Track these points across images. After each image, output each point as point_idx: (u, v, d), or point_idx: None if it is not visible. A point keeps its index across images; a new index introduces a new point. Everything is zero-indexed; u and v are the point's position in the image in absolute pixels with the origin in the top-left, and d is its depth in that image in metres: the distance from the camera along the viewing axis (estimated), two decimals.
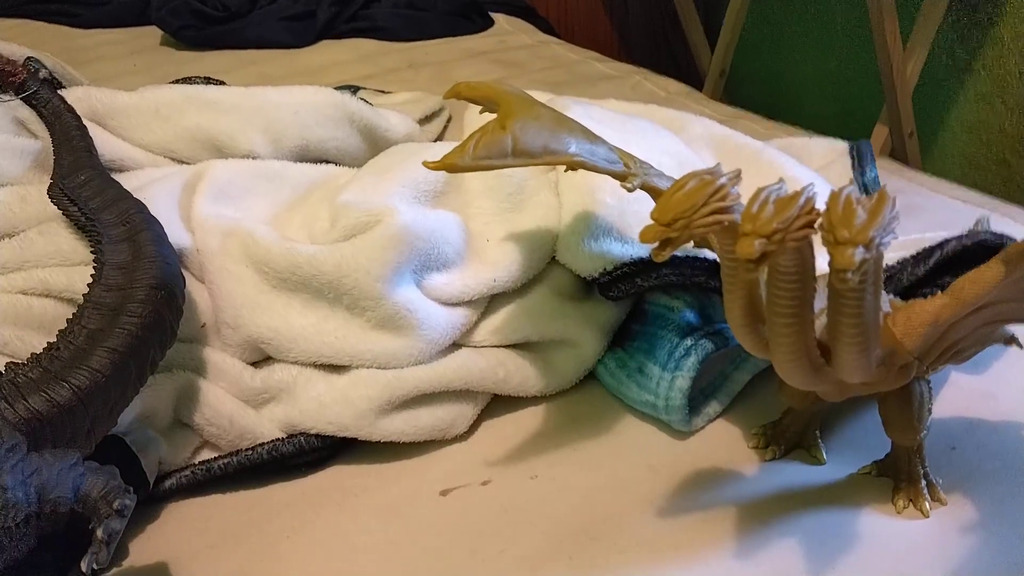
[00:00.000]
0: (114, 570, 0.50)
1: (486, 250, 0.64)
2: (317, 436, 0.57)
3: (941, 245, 0.62)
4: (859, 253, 0.36)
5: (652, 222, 0.42)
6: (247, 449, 0.56)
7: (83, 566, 0.44)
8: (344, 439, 0.57)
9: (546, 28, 1.57)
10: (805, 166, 0.78)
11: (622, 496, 0.54)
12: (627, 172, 0.53)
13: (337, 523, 0.53)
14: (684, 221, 0.41)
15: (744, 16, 1.49)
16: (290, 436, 0.57)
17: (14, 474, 0.43)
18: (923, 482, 0.53)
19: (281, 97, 0.80)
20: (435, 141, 0.91)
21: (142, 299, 0.53)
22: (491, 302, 0.63)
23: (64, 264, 0.60)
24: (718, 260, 0.46)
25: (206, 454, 0.57)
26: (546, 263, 0.63)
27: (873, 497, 0.53)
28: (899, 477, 0.53)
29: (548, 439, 0.59)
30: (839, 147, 0.86)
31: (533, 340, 0.62)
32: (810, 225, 0.39)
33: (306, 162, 0.76)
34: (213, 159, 0.73)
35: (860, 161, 0.86)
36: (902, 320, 0.45)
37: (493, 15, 1.51)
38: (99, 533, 0.45)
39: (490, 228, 0.65)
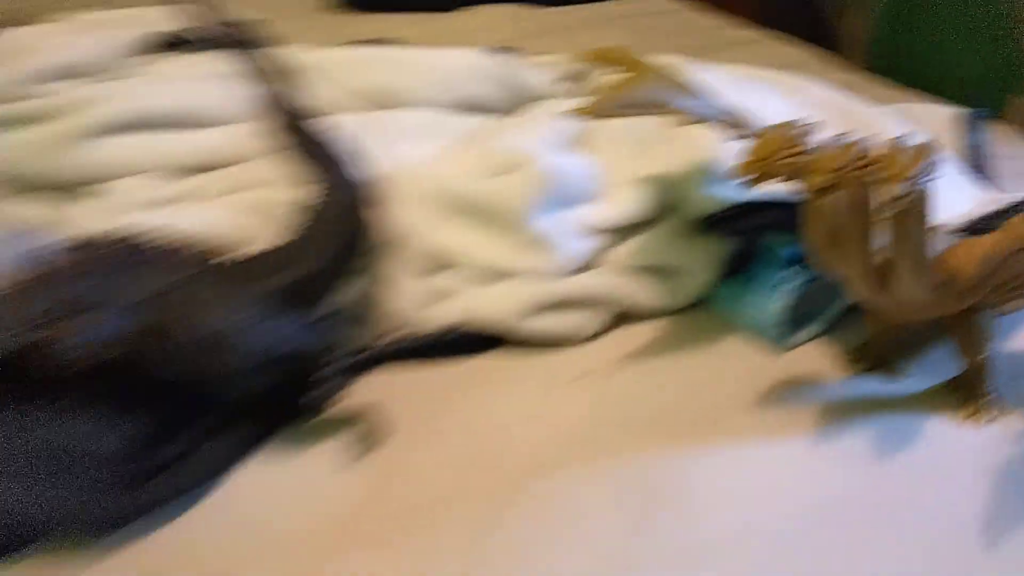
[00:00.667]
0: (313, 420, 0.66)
1: (616, 190, 0.75)
2: (473, 330, 0.71)
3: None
4: (902, 187, 0.46)
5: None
6: (419, 335, 0.71)
7: (314, 390, 0.60)
8: (493, 335, 0.71)
9: None
10: (912, 129, 0.85)
11: (721, 395, 0.65)
12: (732, 127, 0.63)
13: (487, 401, 0.67)
14: (764, 163, 0.52)
15: None
16: (451, 328, 0.71)
17: (265, 326, 0.59)
18: (984, 399, 0.61)
19: (442, 59, 0.93)
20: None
21: (344, 213, 0.68)
22: (618, 233, 0.75)
23: (277, 186, 0.76)
24: None
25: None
26: (667, 202, 0.75)
27: (943, 407, 0.63)
28: (964, 393, 0.62)
29: (662, 346, 0.71)
30: (954, 114, 0.93)
31: (656, 266, 0.73)
32: (862, 167, 0.49)
33: (462, 114, 0.90)
34: (393, 109, 0.87)
35: (973, 128, 0.93)
36: (962, 252, 0.54)
37: None
38: (321, 380, 0.60)
39: (620, 171, 0.76)
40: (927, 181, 0.47)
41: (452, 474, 0.61)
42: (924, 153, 0.47)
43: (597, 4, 1.50)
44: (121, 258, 0.61)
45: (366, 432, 0.64)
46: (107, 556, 0.56)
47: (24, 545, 0.57)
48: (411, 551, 0.55)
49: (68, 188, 0.81)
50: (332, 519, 0.58)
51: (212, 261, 0.64)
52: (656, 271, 0.73)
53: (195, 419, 0.63)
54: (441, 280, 0.74)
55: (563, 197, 0.73)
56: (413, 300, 0.72)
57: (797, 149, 0.51)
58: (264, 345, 0.60)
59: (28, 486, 0.57)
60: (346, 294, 0.71)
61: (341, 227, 0.69)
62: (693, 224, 0.73)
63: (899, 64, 1.57)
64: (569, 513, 0.57)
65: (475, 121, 0.87)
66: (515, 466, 0.61)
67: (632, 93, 0.62)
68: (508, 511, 0.57)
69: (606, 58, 0.66)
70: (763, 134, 0.53)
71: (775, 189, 0.59)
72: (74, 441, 0.59)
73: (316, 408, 0.64)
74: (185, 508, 0.59)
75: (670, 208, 0.74)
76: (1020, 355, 0.67)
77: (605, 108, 0.60)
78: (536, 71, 0.99)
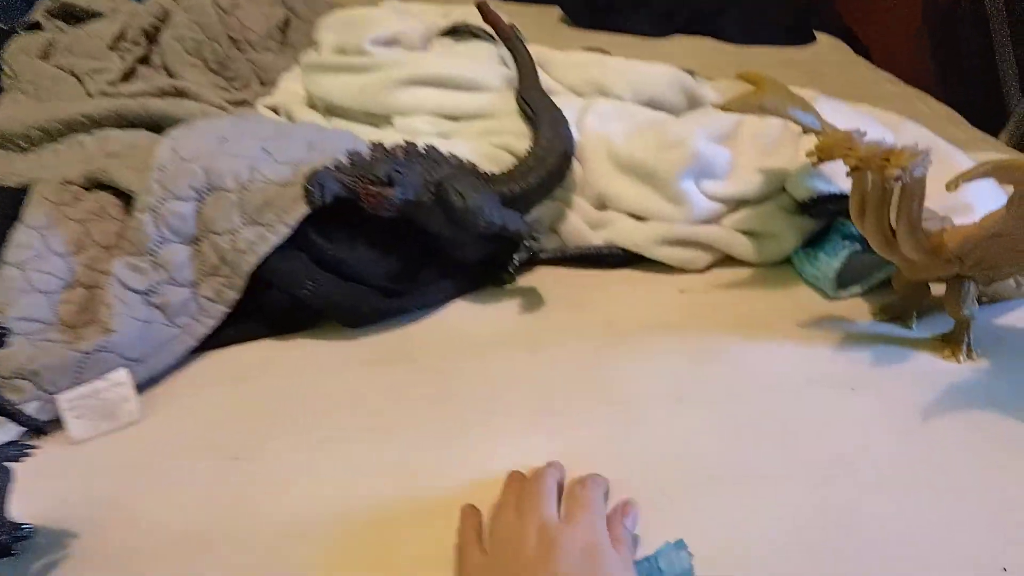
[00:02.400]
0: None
1: (741, 174, 1.07)
2: (621, 248, 1.05)
3: None
4: (895, 172, 0.76)
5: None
6: (585, 247, 1.06)
7: (515, 259, 0.96)
8: (634, 254, 1.05)
9: (864, 51, 1.89)
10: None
11: (782, 322, 0.95)
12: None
13: (623, 294, 1.01)
14: (824, 151, 0.82)
15: None
16: (608, 245, 1.06)
17: (496, 208, 0.96)
18: (964, 346, 0.88)
19: (643, 67, 1.28)
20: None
21: (555, 158, 1.05)
22: (737, 204, 1.06)
23: (515, 135, 1.13)
24: None
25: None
26: (778, 189, 1.05)
27: (932, 350, 0.90)
28: (951, 340, 0.89)
29: (749, 283, 1.02)
30: None
31: (756, 231, 1.05)
32: (881, 157, 0.78)
33: (646, 109, 1.24)
34: (597, 97, 1.23)
35: None
36: (951, 231, 0.82)
37: (817, 33, 1.88)
38: (522, 248, 0.96)
39: (748, 161, 1.08)
40: (919, 171, 0.76)
41: (580, 326, 0.96)
42: (916, 154, 0.76)
43: (781, 48, 1.79)
44: (421, 155, 0.99)
45: (535, 298, 1.00)
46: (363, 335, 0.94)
47: (311, 323, 0.95)
48: (549, 357, 0.90)
49: (377, 118, 1.22)
50: (504, 335, 0.95)
51: (469, 169, 1.02)
52: (756, 234, 1.04)
53: (439, 264, 1.01)
54: (606, 214, 1.08)
55: (704, 171, 1.06)
56: (582, 223, 1.08)
57: (848, 144, 0.82)
58: (500, 222, 0.96)
59: (336, 281, 0.95)
60: (543, 210, 1.07)
61: (552, 165, 1.05)
62: (790, 204, 1.03)
63: None
64: (655, 358, 0.90)
65: (655, 114, 1.21)
66: (625, 330, 0.95)
67: (762, 100, 0.93)
68: (612, 351, 0.91)
69: (748, 76, 0.99)
70: (829, 133, 0.84)
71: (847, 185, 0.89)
72: (367, 260, 0.99)
73: (510, 277, 1.01)
74: (416, 319, 0.98)
75: (776, 191, 1.05)
76: (999, 325, 0.93)
77: (740, 106, 0.92)
78: (706, 88, 1.31)
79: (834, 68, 1.70)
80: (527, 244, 0.98)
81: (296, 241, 0.95)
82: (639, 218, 1.07)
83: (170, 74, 1.43)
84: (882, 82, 1.63)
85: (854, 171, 0.81)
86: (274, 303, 0.95)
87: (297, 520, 0.71)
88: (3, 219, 0.99)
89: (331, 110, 1.26)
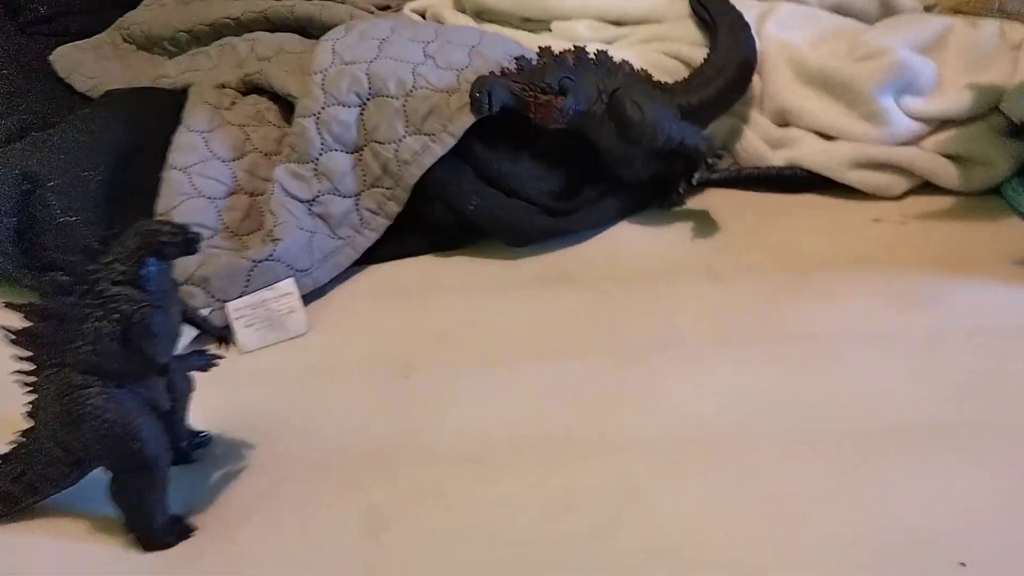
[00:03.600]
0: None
1: (948, 89, 0.95)
2: (804, 170, 0.96)
3: None
4: None
5: None
6: (764, 168, 0.97)
7: (694, 178, 0.89)
8: (820, 177, 0.95)
9: None
10: None
11: (991, 261, 0.84)
12: None
13: (806, 221, 0.92)
14: None
15: None
16: (789, 167, 0.96)
17: (673, 121, 0.88)
18: None
19: None
20: None
21: (736, 67, 0.95)
22: (941, 124, 0.95)
23: (688, 43, 1.04)
24: None
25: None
26: (990, 108, 0.93)
27: None
28: None
29: (953, 215, 0.91)
30: None
31: (963, 155, 0.93)
32: None
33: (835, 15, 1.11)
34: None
35: None
36: None
37: None
38: (702, 166, 0.89)
39: (956, 76, 0.96)
40: None
41: (759, 256, 0.88)
42: None
43: None
44: (592, 62, 0.92)
45: (708, 224, 0.93)
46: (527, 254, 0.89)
47: (472, 239, 0.91)
48: (725, 288, 0.84)
49: (533, 23, 1.14)
50: (675, 261, 0.88)
51: (642, 78, 0.94)
52: (962, 159, 0.93)
53: (607, 181, 0.95)
54: (788, 132, 0.99)
55: (905, 85, 0.95)
56: (760, 143, 0.99)
57: None
58: (679, 136, 0.89)
59: (500, 197, 0.91)
60: (720, 125, 0.98)
61: (732, 75, 0.96)
62: (1003, 126, 0.91)
63: None
64: (846, 295, 0.81)
65: (844, 20, 1.09)
66: (810, 262, 0.86)
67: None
68: (796, 284, 0.83)
69: None
70: None
71: None
72: (530, 175, 0.93)
73: (680, 199, 0.93)
74: (580, 239, 0.92)
75: (988, 111, 0.92)
76: None
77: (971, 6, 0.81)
78: None
79: None
80: (709, 162, 0.90)
81: (460, 153, 0.90)
82: (826, 137, 0.97)
83: None
84: None
85: None
86: (437, 218, 0.91)
87: (470, 443, 0.69)
88: (163, 121, 0.98)
89: (482, 14, 1.19)
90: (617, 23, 1.11)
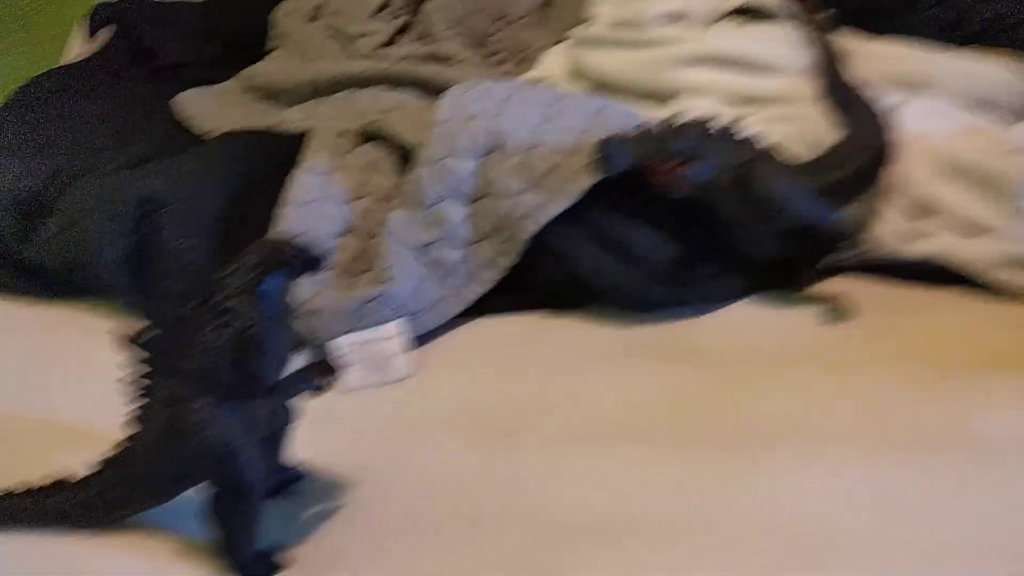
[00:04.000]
0: None
1: None
2: (942, 264, 0.89)
3: None
4: None
5: None
6: (899, 257, 0.90)
7: (823, 261, 0.84)
8: (956, 275, 0.88)
9: None
10: None
11: None
12: None
13: (943, 320, 0.85)
14: None
15: None
16: (928, 257, 0.89)
17: (804, 200, 0.84)
18: None
19: (972, 63, 1.10)
20: None
21: (871, 150, 0.92)
22: None
23: (818, 123, 1.00)
24: None
25: None
26: None
27: None
28: None
29: None
30: None
31: None
32: None
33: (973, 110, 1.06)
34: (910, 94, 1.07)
35: None
36: None
37: None
38: (837, 248, 0.84)
39: None
40: None
41: (893, 352, 0.80)
42: None
43: None
44: (719, 134, 0.89)
45: (837, 311, 0.86)
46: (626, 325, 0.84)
47: (591, 298, 0.87)
48: (855, 384, 0.77)
49: (656, 99, 1.13)
50: (798, 347, 0.82)
51: (771, 154, 0.90)
52: None
53: (727, 257, 0.90)
54: (923, 224, 0.93)
55: None
56: (896, 232, 0.93)
57: None
58: (808, 215, 0.85)
59: (608, 260, 0.87)
60: (852, 211, 0.93)
61: (866, 159, 0.92)
62: None
63: None
64: (990, 400, 0.74)
65: (984, 118, 1.04)
66: (949, 364, 0.78)
67: None
68: (938, 386, 0.76)
69: None
70: None
71: None
72: (645, 243, 0.89)
73: (808, 281, 0.88)
74: (696, 313, 0.87)
75: None
76: None
77: None
78: None
79: None
80: (840, 245, 0.85)
81: (577, 213, 0.87)
82: (967, 234, 0.91)
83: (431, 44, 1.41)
84: None
85: None
86: (547, 276, 0.88)
87: (568, 518, 0.64)
88: (280, 163, 0.99)
89: (602, 87, 1.18)
90: (744, 102, 1.09)
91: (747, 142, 0.89)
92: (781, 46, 1.12)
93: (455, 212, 0.89)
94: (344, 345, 0.76)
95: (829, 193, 0.89)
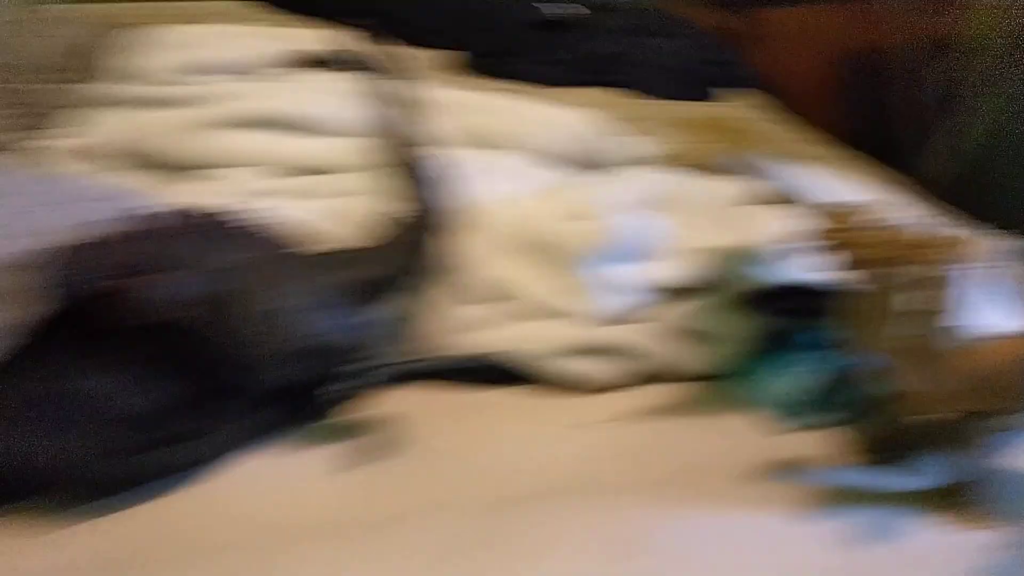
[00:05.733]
0: None
1: (679, 254, 0.80)
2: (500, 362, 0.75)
3: None
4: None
5: None
6: (447, 358, 0.75)
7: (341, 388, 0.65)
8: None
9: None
10: None
11: (721, 464, 0.66)
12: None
13: (495, 431, 0.71)
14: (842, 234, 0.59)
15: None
16: (478, 356, 0.75)
17: (311, 315, 0.65)
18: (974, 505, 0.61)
19: (545, 112, 1.00)
20: None
21: (425, 232, 0.74)
22: (669, 294, 0.78)
23: (364, 195, 0.82)
24: None
25: None
26: (723, 276, 0.77)
27: (935, 507, 0.61)
28: (957, 496, 0.62)
29: (678, 408, 0.73)
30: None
31: (694, 330, 0.76)
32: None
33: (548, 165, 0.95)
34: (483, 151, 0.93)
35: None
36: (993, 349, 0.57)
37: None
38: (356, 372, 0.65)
39: (689, 238, 0.81)
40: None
41: (443, 492, 0.63)
42: (961, 243, 0.51)
43: (692, 104, 1.51)
44: (206, 229, 0.67)
45: (376, 442, 0.67)
46: (83, 519, 0.58)
47: (23, 495, 0.59)
48: (382, 556, 0.57)
49: (182, 170, 0.90)
50: (315, 518, 0.61)
51: (289, 248, 0.70)
52: (696, 335, 0.76)
53: (219, 397, 0.65)
54: (482, 310, 0.78)
55: (623, 252, 0.78)
56: (451, 324, 0.77)
57: (869, 224, 0.56)
58: (309, 332, 0.65)
59: (41, 434, 0.60)
60: (392, 307, 0.75)
61: (417, 245, 0.74)
62: (738, 298, 0.76)
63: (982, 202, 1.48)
64: (543, 545, 0.58)
65: (558, 173, 0.93)
66: (508, 494, 0.63)
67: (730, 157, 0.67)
68: (486, 533, 0.59)
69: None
70: (838, 209, 0.58)
71: (812, 274, 0.62)
72: (102, 396, 0.62)
73: (329, 406, 0.68)
74: (179, 483, 0.63)
75: (720, 279, 0.77)
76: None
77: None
78: (622, 142, 1.03)
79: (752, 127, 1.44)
80: (366, 367, 0.67)
81: None
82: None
83: None
84: (805, 144, 1.37)
85: (869, 263, 0.54)
86: None
87: None
88: None
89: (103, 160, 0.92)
90: (289, 173, 0.89)
91: (246, 234, 0.68)
92: (338, 101, 0.94)
93: None
94: None
95: (361, 291, 0.71)
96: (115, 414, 0.62)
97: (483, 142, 0.97)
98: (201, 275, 0.64)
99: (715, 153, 0.69)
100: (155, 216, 0.66)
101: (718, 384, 0.75)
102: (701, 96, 1.53)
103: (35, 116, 1.06)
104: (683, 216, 0.83)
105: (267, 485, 0.64)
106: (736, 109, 1.45)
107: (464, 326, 0.77)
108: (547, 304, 0.76)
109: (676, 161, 0.89)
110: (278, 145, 0.91)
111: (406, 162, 0.82)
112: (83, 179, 0.83)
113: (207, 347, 0.64)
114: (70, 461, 0.60)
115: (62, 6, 1.19)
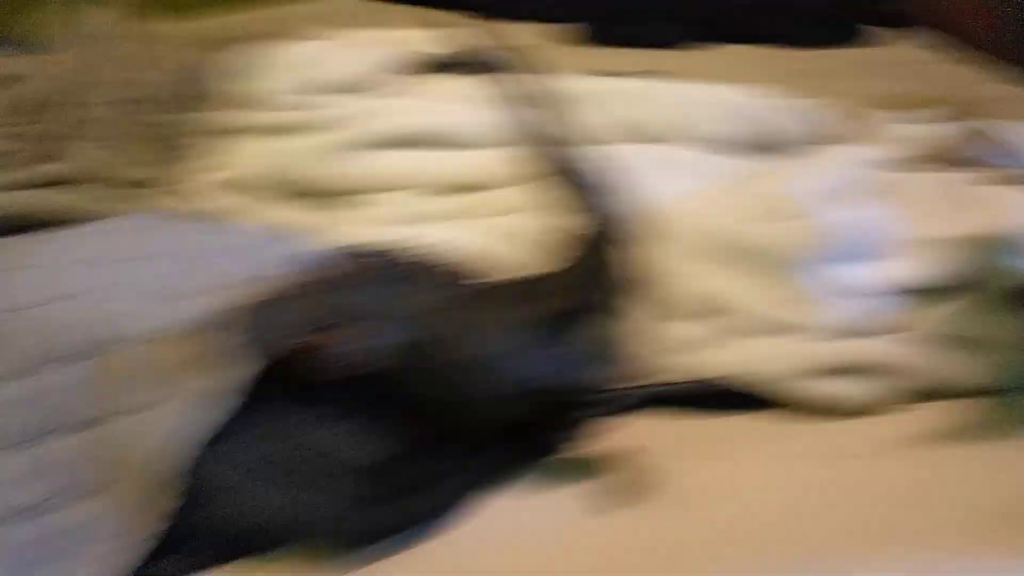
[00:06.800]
0: None
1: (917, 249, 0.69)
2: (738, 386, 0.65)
3: None
4: None
5: None
6: (678, 385, 0.66)
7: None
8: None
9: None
10: None
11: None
12: None
13: (740, 468, 0.62)
14: None
15: None
16: (713, 381, 0.66)
17: (528, 355, 0.58)
18: None
19: (701, 92, 0.90)
20: None
21: (613, 245, 0.66)
22: (919, 297, 0.67)
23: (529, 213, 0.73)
24: None
25: None
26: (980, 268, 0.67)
27: None
28: None
29: (961, 431, 0.63)
30: None
31: (961, 336, 0.65)
32: None
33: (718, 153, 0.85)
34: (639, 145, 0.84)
35: None
36: None
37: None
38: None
39: (922, 229, 0.69)
40: None
41: (695, 539, 0.56)
42: None
43: (844, 51, 1.39)
44: (388, 271, 0.61)
45: (623, 481, 0.60)
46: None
47: (270, 549, 0.56)
48: None
49: (332, 197, 0.83)
50: (582, 565, 0.54)
51: (478, 283, 0.63)
52: (962, 343, 0.65)
53: (447, 442, 0.61)
54: (695, 327, 0.69)
55: (846, 250, 0.67)
56: (663, 345, 0.68)
57: None
58: (524, 374, 0.58)
59: (283, 491, 0.57)
60: (596, 331, 0.67)
61: (604, 261, 0.66)
62: (1007, 295, 0.64)
63: None
64: None
65: (737, 161, 0.82)
66: (786, 541, 0.54)
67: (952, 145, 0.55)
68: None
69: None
70: None
71: None
72: (332, 449, 0.60)
73: (564, 446, 0.61)
74: (424, 533, 0.57)
75: (984, 273, 0.66)
76: None
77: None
78: (801, 115, 0.92)
79: (918, 69, 1.30)
80: (586, 402, 0.59)
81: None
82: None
83: None
84: (983, 83, 1.22)
85: None
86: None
87: None
88: None
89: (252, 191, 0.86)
90: (444, 192, 0.81)
91: (433, 274, 0.61)
92: (480, 109, 0.85)
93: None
94: None
95: (562, 319, 0.63)
96: (346, 466, 0.59)
97: (642, 135, 0.87)
98: (392, 324, 0.58)
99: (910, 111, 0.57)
100: (325, 261, 0.61)
101: (1005, 400, 0.64)
102: (851, 39, 1.37)
103: (170, 149, 1.01)
104: (906, 201, 0.71)
105: (519, 531, 0.57)
106: (906, 51, 1.30)
107: (678, 346, 0.68)
108: (770, 317, 0.67)
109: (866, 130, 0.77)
110: (426, 163, 0.83)
111: (565, 168, 0.73)
112: (237, 222, 0.76)
113: (417, 395, 0.60)
114: (318, 514, 0.57)
115: (158, 26, 1.14)
